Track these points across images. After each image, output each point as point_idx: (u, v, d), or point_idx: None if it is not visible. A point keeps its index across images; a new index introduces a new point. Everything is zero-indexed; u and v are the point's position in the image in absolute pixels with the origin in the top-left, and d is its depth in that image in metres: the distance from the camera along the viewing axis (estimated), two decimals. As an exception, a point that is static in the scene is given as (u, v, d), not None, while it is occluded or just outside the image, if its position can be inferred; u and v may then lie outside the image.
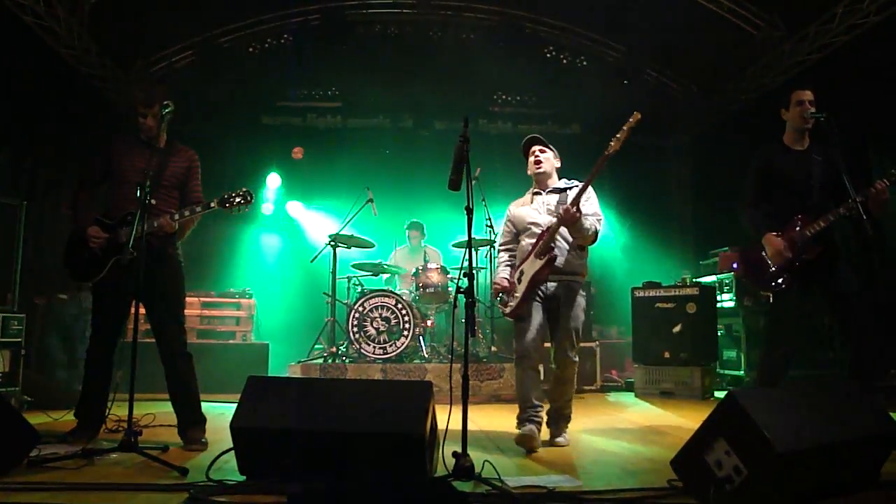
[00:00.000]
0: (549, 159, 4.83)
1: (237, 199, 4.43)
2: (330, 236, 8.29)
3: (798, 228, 4.60)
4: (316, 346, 8.29)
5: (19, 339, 6.04)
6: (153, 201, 4.23)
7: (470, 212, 3.72)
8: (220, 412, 5.31)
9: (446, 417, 3.55)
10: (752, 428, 2.71)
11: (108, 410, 4.51)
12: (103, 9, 7.71)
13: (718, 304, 8.47)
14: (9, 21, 6.77)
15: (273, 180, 10.52)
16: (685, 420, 5.82)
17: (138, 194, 3.98)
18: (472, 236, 3.75)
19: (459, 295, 3.67)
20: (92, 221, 4.45)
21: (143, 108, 4.48)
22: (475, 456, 3.38)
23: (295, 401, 3.27)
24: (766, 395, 3.31)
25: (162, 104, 4.37)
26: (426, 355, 7.60)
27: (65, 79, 7.99)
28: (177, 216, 4.39)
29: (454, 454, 3.36)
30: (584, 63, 10.24)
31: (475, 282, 3.72)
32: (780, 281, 4.64)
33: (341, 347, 7.92)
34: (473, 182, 3.87)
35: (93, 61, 8.24)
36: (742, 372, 8.17)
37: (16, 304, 6.20)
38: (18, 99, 7.31)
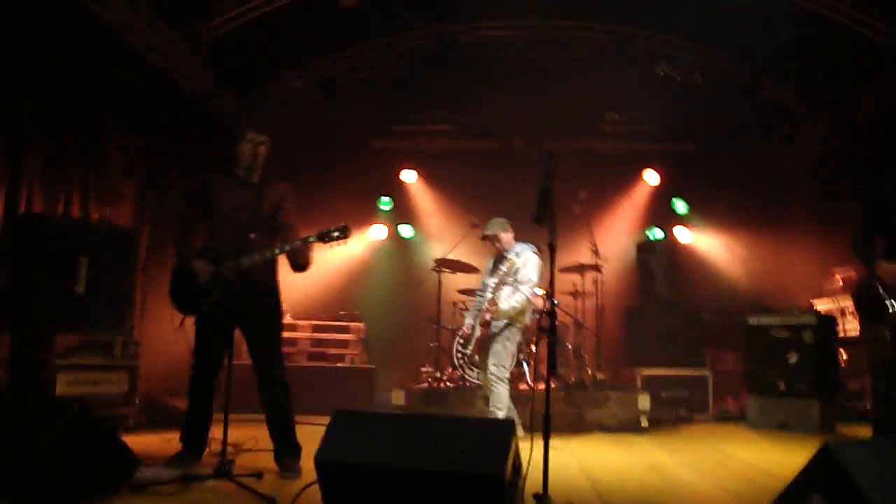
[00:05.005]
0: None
1: (335, 234, 4.41)
2: (435, 261, 8.26)
3: None
4: (422, 371, 8.27)
5: (136, 362, 6.30)
6: (252, 235, 4.29)
7: (552, 248, 3.67)
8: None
9: (538, 449, 3.40)
10: (851, 488, 2.42)
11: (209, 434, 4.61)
12: (223, 41, 7.98)
13: (841, 333, 7.86)
14: (128, 54, 7.02)
15: (384, 203, 10.63)
16: (797, 458, 5.39)
17: (238, 228, 4.07)
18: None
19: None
20: (196, 255, 4.54)
21: (255, 141, 4.60)
22: (565, 492, 3.20)
23: (377, 435, 3.22)
24: (868, 447, 2.93)
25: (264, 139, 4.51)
26: (531, 382, 7.39)
27: (185, 109, 8.27)
28: (277, 250, 4.43)
29: (535, 496, 3.22)
30: (699, 79, 9.82)
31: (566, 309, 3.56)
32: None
33: (445, 374, 7.85)
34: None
35: (209, 92, 8.53)
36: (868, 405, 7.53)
37: (133, 326, 6.46)
38: (145, 132, 7.64)
